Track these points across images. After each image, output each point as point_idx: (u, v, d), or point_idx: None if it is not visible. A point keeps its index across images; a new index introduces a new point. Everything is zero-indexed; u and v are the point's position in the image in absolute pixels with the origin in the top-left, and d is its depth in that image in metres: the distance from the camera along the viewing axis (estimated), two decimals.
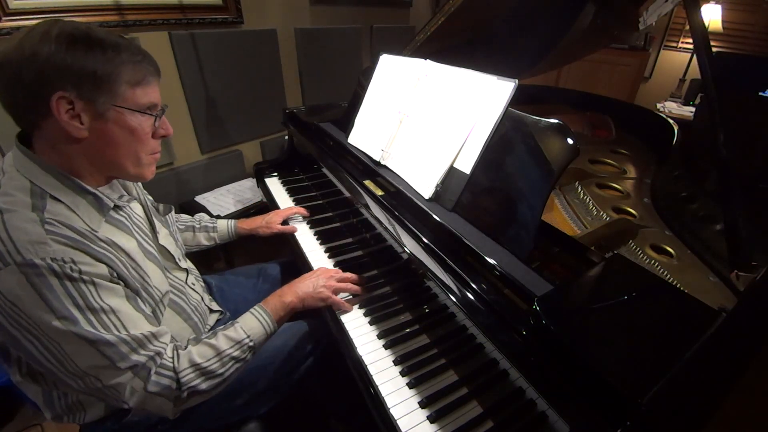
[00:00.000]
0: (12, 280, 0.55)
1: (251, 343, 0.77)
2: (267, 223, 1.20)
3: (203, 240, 1.16)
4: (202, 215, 1.20)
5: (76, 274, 0.58)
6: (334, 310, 0.92)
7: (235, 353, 0.74)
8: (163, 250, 0.86)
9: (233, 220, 1.21)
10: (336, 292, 0.92)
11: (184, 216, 1.17)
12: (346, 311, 0.91)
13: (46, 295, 0.56)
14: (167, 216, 0.95)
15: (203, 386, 0.69)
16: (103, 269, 0.62)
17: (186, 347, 0.71)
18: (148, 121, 0.69)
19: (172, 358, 0.68)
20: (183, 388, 0.67)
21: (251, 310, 0.82)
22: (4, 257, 0.55)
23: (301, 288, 0.89)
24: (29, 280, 0.55)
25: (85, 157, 0.66)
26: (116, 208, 0.73)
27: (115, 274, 0.65)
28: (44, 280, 0.56)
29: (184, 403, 0.68)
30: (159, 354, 0.66)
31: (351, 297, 0.95)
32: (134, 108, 0.66)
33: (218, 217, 1.26)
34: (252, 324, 0.79)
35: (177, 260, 0.90)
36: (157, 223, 0.87)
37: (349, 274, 0.97)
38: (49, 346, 0.59)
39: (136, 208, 0.81)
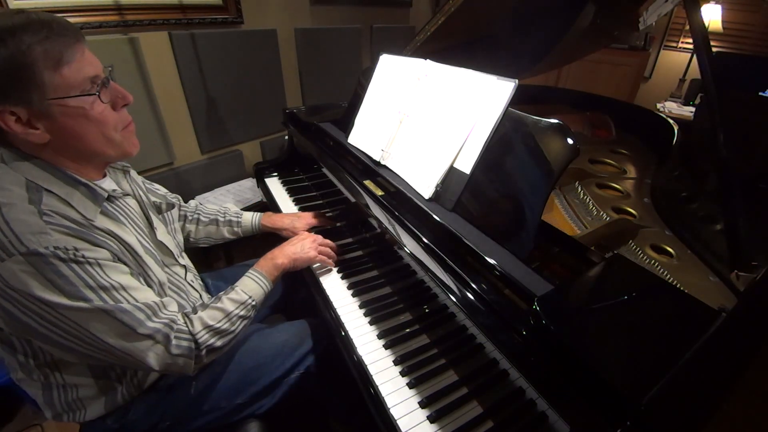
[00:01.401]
0: (17, 270, 0.56)
1: (253, 302, 0.83)
2: (293, 230, 1.18)
3: (227, 233, 1.16)
4: (228, 206, 1.20)
5: (81, 259, 0.60)
6: (335, 311, 0.93)
7: (241, 312, 0.81)
8: (162, 246, 0.86)
9: (258, 215, 1.20)
10: (320, 252, 1.01)
11: (210, 207, 1.17)
12: (329, 267, 1.04)
13: (56, 281, 0.58)
14: (167, 213, 0.95)
15: (218, 343, 0.76)
16: (104, 253, 0.64)
17: (196, 313, 0.76)
18: (95, 98, 0.64)
19: (185, 323, 0.72)
20: (201, 347, 0.73)
21: (247, 273, 0.88)
22: (7, 248, 0.56)
23: (291, 249, 0.97)
24: (37, 269, 0.57)
25: (63, 156, 0.66)
26: (111, 199, 0.73)
27: (116, 258, 0.67)
28: (53, 267, 0.58)
29: (203, 360, 0.74)
30: (173, 321, 0.70)
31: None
32: (71, 93, 0.61)
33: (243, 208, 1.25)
34: (251, 286, 0.85)
35: (176, 257, 0.90)
36: (155, 220, 0.87)
37: (327, 241, 1.07)
38: (68, 327, 0.61)
39: (132, 203, 0.81)
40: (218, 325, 0.76)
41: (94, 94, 0.64)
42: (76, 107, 0.62)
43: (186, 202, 1.14)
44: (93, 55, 0.65)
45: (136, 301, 0.65)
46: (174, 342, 0.69)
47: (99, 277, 0.62)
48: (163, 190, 1.02)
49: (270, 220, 1.20)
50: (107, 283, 0.62)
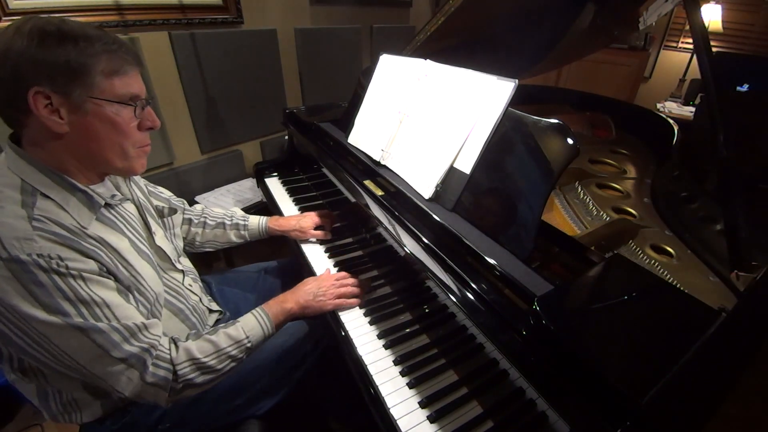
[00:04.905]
0: None
1: (249, 344, 0.78)
2: (301, 229, 1.16)
3: (233, 237, 1.15)
4: (235, 210, 1.19)
5: (63, 269, 0.58)
6: (334, 311, 0.93)
7: (233, 352, 0.76)
8: (159, 251, 0.86)
9: (264, 218, 1.19)
10: (337, 297, 0.93)
11: (216, 210, 1.16)
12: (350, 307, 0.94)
13: (34, 291, 0.57)
14: (170, 218, 0.95)
15: (198, 380, 0.71)
16: (92, 264, 0.62)
17: (186, 340, 0.73)
18: (129, 112, 0.67)
19: (169, 350, 0.69)
20: (179, 380, 0.69)
21: (253, 311, 0.84)
22: None
23: (303, 297, 0.91)
24: (16, 276, 0.56)
25: (71, 154, 0.66)
26: (108, 206, 0.73)
27: (105, 269, 0.65)
28: (32, 276, 0.56)
29: (178, 395, 0.70)
30: (153, 346, 0.67)
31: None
32: (112, 99, 0.64)
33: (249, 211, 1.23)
34: (252, 325, 0.81)
35: (174, 262, 0.90)
36: (153, 224, 0.86)
37: (350, 281, 0.96)
38: (40, 341, 0.59)
39: (130, 207, 0.81)
40: (204, 360, 0.71)
41: (131, 106, 0.67)
42: (110, 112, 0.65)
43: (186, 202, 1.14)
44: (142, 81, 0.70)
45: (117, 320, 0.63)
46: (150, 369, 0.65)
47: (80, 290, 0.60)
48: (167, 194, 1.01)
49: (277, 223, 1.18)
50: (87, 297, 0.60)
